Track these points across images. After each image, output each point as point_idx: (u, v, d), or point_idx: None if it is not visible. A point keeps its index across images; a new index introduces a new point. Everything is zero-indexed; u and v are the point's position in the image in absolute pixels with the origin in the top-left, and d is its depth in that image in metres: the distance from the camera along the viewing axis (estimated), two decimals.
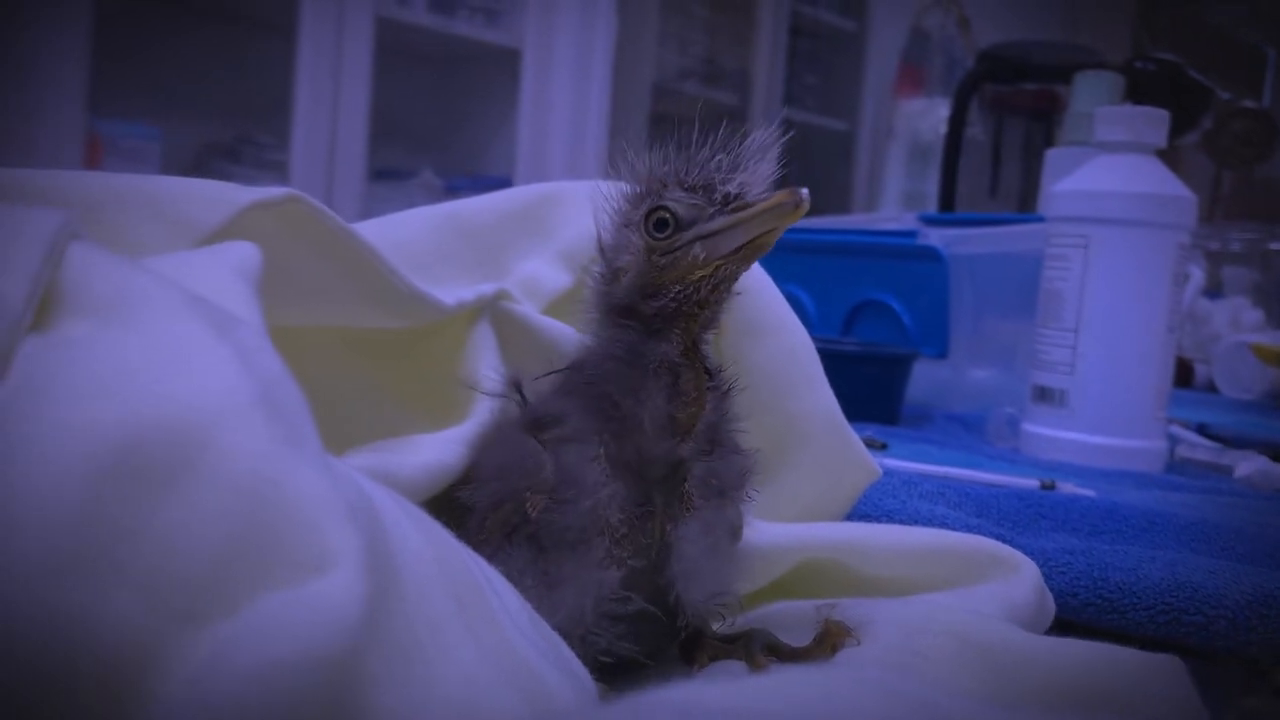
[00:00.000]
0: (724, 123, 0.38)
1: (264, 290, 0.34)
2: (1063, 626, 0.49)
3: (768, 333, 0.48)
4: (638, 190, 0.38)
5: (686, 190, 0.37)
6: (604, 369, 0.38)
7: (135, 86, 1.98)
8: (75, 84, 1.75)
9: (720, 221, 0.36)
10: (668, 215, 0.37)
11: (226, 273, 0.28)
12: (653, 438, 0.37)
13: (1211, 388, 1.50)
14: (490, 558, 0.36)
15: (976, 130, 2.52)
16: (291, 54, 2.01)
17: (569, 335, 0.46)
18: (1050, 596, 0.44)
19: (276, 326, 0.40)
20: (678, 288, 0.37)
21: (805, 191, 0.35)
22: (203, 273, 0.27)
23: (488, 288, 0.45)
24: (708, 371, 0.38)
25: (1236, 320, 1.63)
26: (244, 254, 0.30)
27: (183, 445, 0.20)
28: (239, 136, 2.16)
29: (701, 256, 0.36)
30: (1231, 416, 1.23)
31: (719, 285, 0.37)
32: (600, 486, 0.37)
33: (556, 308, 0.49)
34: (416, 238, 0.47)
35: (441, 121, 2.46)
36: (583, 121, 2.44)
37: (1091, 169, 0.88)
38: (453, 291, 0.44)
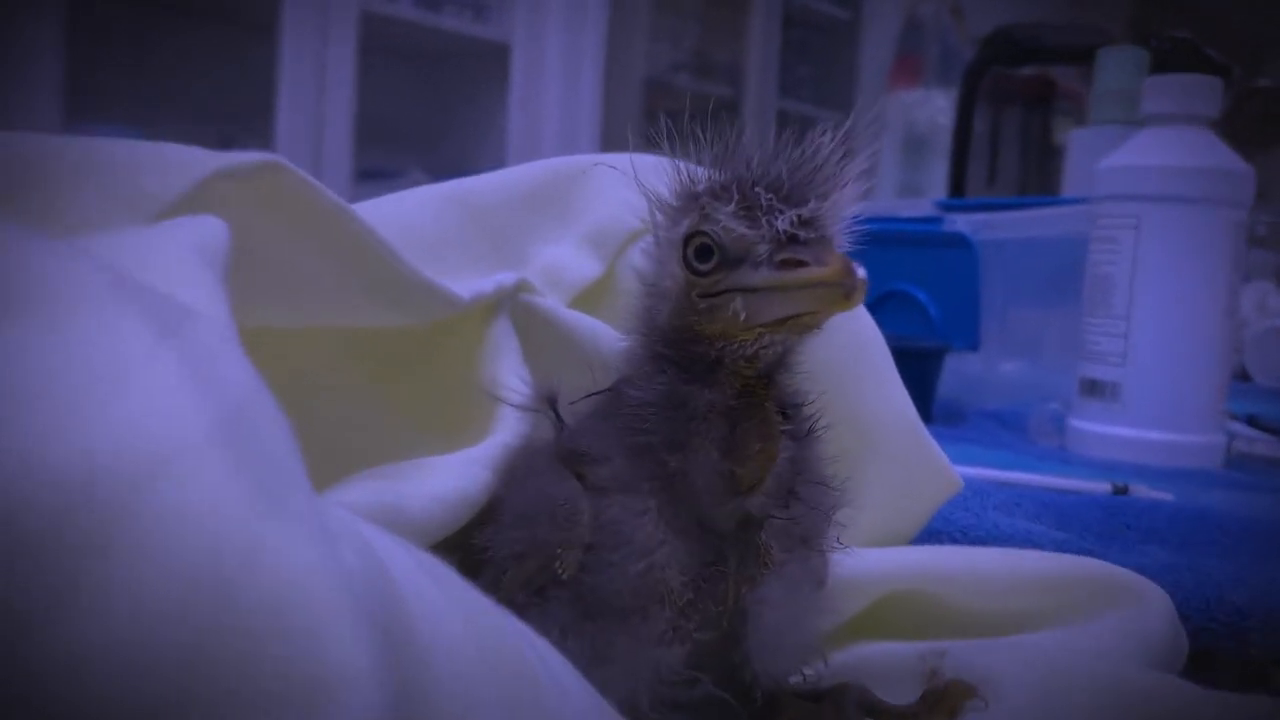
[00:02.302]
0: (718, 119, 0.30)
1: (236, 280, 0.27)
2: None
3: (833, 323, 0.41)
4: (678, 201, 0.30)
5: (742, 209, 0.28)
6: (641, 417, 0.30)
7: (113, 89, 1.91)
8: (50, 88, 1.67)
9: (764, 277, 0.27)
10: (711, 244, 0.28)
11: (183, 253, 0.21)
12: (708, 498, 0.29)
13: (1243, 376, 1.44)
14: (519, 616, 0.29)
15: (975, 121, 2.47)
16: (274, 51, 1.94)
17: (604, 334, 0.38)
18: (1183, 629, 0.38)
19: (254, 326, 0.33)
20: (721, 342, 0.29)
21: (862, 274, 0.26)
22: (152, 254, 0.20)
23: (506, 278, 0.38)
24: (782, 412, 0.30)
25: (1263, 305, 1.56)
26: (206, 230, 0.22)
27: (93, 515, 0.13)
28: (222, 138, 2.08)
29: (742, 316, 0.28)
30: (1273, 406, 1.16)
31: (769, 349, 0.29)
32: (656, 544, 0.29)
33: (585, 300, 0.42)
34: (420, 220, 0.40)
35: (429, 119, 2.39)
36: (574, 117, 2.37)
37: (1140, 143, 0.81)
38: (466, 282, 0.36)
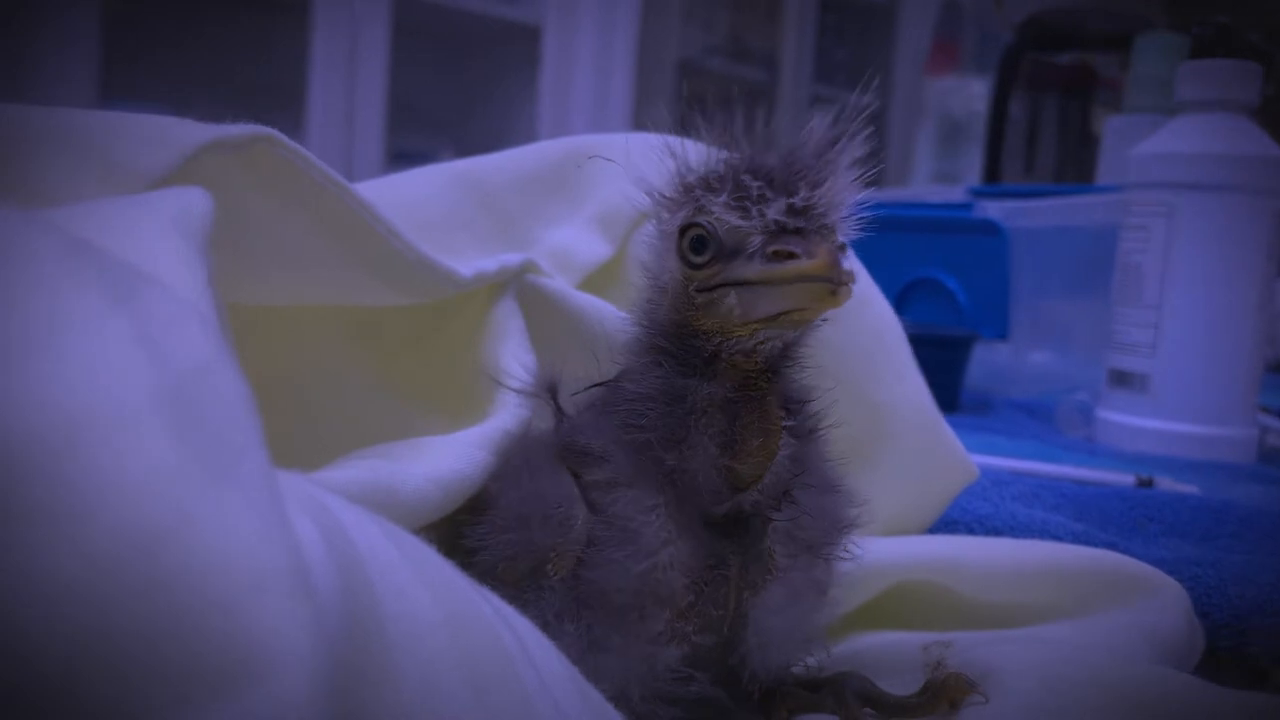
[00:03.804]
0: (761, 101, 0.29)
1: (229, 254, 0.27)
2: None
3: (848, 309, 0.40)
4: (674, 192, 0.29)
5: (735, 199, 0.27)
6: (638, 411, 0.29)
7: (147, 71, 1.92)
8: (86, 70, 1.68)
9: (757, 269, 0.27)
10: (706, 234, 0.28)
11: (158, 223, 0.20)
12: (706, 495, 0.29)
13: (1278, 368, 1.41)
14: (512, 600, 0.28)
15: (1011, 107, 2.43)
16: (306, 34, 1.94)
17: (612, 316, 0.38)
18: (1199, 625, 0.37)
19: (250, 303, 0.33)
20: (719, 338, 0.28)
21: (850, 267, 0.26)
22: (125, 223, 0.20)
23: (512, 258, 0.37)
24: (785, 408, 0.29)
25: None
26: (187, 201, 0.22)
27: (16, 479, 0.12)
28: (256, 120, 2.08)
29: (737, 313, 0.27)
30: None
31: (768, 344, 0.28)
32: (661, 544, 0.28)
33: (594, 282, 0.41)
34: (425, 200, 0.39)
35: (461, 102, 2.38)
36: (605, 100, 2.36)
37: (1175, 129, 0.79)
38: (470, 261, 0.36)
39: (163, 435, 0.13)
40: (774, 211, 0.26)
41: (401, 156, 2.13)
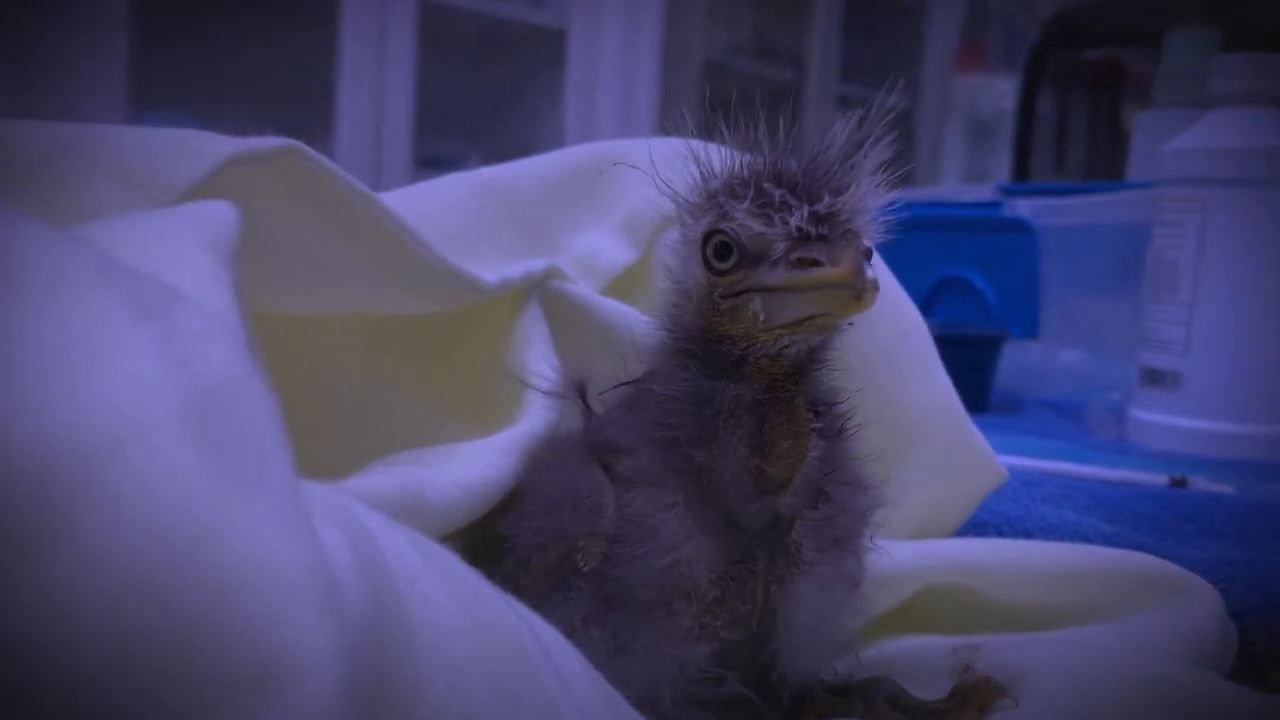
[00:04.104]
0: (787, 101, 0.29)
1: (256, 265, 0.27)
2: None
3: (874, 312, 0.40)
4: (698, 198, 0.29)
5: (758, 206, 0.27)
6: (667, 412, 0.29)
7: (177, 77, 1.93)
8: (115, 76, 1.70)
9: (781, 276, 0.27)
10: (729, 241, 0.28)
11: (185, 237, 0.20)
12: (736, 496, 0.29)
13: None
14: (538, 604, 0.29)
15: (1041, 105, 2.42)
16: (334, 40, 1.96)
17: (636, 321, 0.38)
18: (1232, 627, 0.36)
19: (279, 313, 0.33)
20: (744, 342, 0.28)
21: (873, 274, 0.26)
22: (153, 238, 0.20)
23: (536, 264, 0.37)
24: (813, 409, 0.29)
25: None
26: (214, 215, 0.22)
27: (49, 494, 0.12)
28: (285, 127, 2.10)
29: (761, 318, 0.27)
30: None
31: (793, 348, 0.28)
32: (682, 539, 0.28)
33: (619, 286, 0.41)
34: (450, 209, 0.40)
35: (487, 107, 2.39)
36: (631, 101, 2.36)
37: (1207, 125, 0.78)
38: (495, 269, 0.36)
39: (189, 448, 0.14)
40: (797, 219, 0.26)
41: (429, 161, 2.14)
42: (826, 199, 0.27)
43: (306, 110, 2.06)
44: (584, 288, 0.39)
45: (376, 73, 2.01)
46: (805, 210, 0.26)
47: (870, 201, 0.28)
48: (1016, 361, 1.02)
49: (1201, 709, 0.27)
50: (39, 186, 0.24)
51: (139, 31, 1.73)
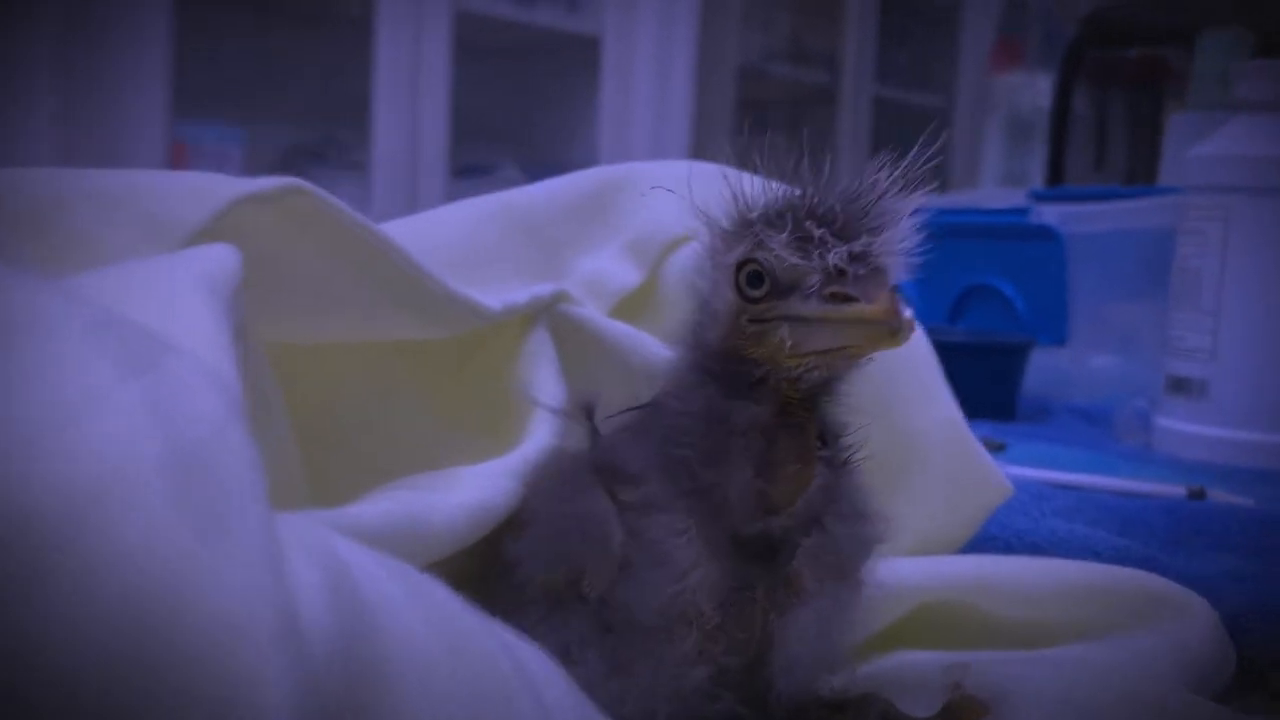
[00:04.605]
0: (813, 108, 0.29)
1: (263, 301, 0.28)
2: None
3: None
4: (733, 226, 0.30)
5: (795, 239, 0.28)
6: (680, 428, 0.30)
7: (218, 89, 1.97)
8: (157, 88, 1.73)
9: (813, 309, 0.28)
10: (763, 271, 0.29)
11: (184, 284, 0.22)
12: (738, 515, 0.29)
13: None
14: (537, 623, 0.30)
15: (1079, 104, 2.39)
16: (370, 52, 1.98)
17: (644, 343, 0.39)
18: (1231, 644, 0.36)
19: (294, 345, 0.35)
20: (767, 366, 0.29)
21: (909, 315, 0.27)
22: (151, 286, 0.21)
23: (544, 289, 0.39)
24: (821, 438, 0.30)
25: None
26: (214, 259, 0.24)
27: (27, 548, 0.14)
28: (323, 137, 2.13)
29: (788, 345, 0.28)
30: None
31: (815, 373, 0.29)
32: (690, 568, 0.29)
33: (626, 308, 0.42)
34: (462, 235, 0.41)
35: (522, 115, 2.41)
36: (666, 108, 2.37)
37: (1231, 131, 0.78)
38: (505, 293, 0.37)
39: (165, 502, 0.15)
40: (835, 258, 0.27)
41: (465, 170, 2.16)
42: (864, 239, 0.28)
43: (343, 120, 2.09)
44: (591, 311, 0.40)
45: (412, 82, 2.03)
46: (844, 250, 0.27)
47: (903, 242, 0.28)
48: (1046, 367, 1.02)
49: None
50: (52, 232, 0.25)
51: (181, 44, 1.76)
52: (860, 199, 0.28)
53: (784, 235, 0.28)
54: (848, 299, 0.27)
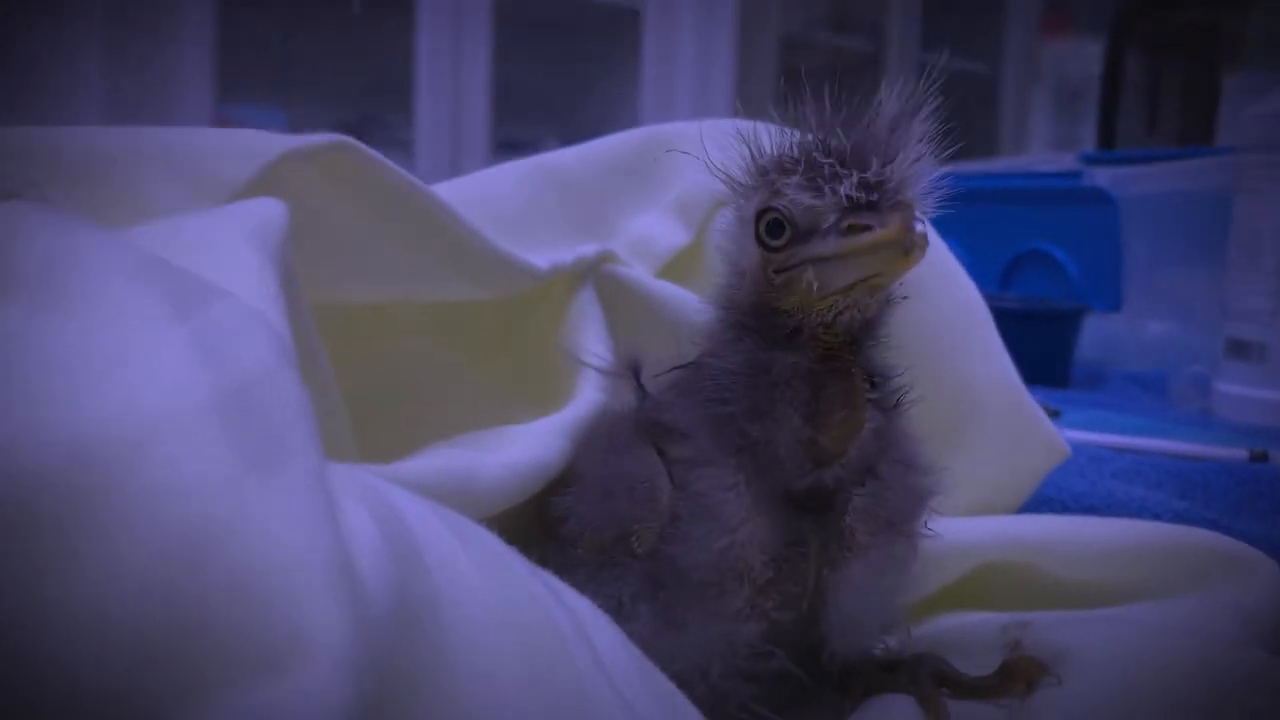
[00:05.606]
0: (858, 76, 0.29)
1: (315, 261, 0.28)
2: None
3: (934, 288, 0.40)
4: (749, 178, 0.30)
5: (808, 179, 0.27)
6: (723, 385, 0.30)
7: (261, 70, 1.98)
8: (201, 70, 1.75)
9: (832, 245, 0.27)
10: (782, 219, 0.28)
11: (232, 236, 0.22)
12: (790, 468, 0.29)
13: None
14: (589, 579, 0.29)
15: (1131, 68, 2.34)
16: (412, 30, 1.98)
17: (690, 303, 0.38)
18: None
19: (335, 303, 0.35)
20: (800, 314, 0.29)
21: (920, 229, 0.26)
22: (202, 237, 0.21)
23: (589, 249, 0.38)
24: (870, 380, 0.30)
25: None
26: (262, 212, 0.23)
27: (83, 478, 0.13)
28: (366, 116, 2.14)
29: (815, 286, 0.28)
30: None
31: (847, 313, 0.29)
32: (740, 521, 0.28)
33: (674, 269, 0.42)
34: (505, 195, 0.40)
35: (564, 89, 2.40)
36: (708, 79, 2.35)
37: None
38: (547, 254, 0.37)
39: (217, 440, 0.15)
40: (847, 188, 0.27)
41: (506, 145, 2.16)
42: (875, 166, 0.27)
43: (386, 99, 2.09)
44: (638, 271, 0.40)
45: (453, 59, 2.03)
46: (854, 178, 0.27)
47: (921, 169, 0.28)
48: (1101, 334, 1.00)
49: (1248, 688, 0.27)
50: (107, 187, 0.26)
51: (225, 25, 1.77)
52: (868, 128, 0.27)
53: (797, 177, 0.27)
54: (865, 229, 0.26)
